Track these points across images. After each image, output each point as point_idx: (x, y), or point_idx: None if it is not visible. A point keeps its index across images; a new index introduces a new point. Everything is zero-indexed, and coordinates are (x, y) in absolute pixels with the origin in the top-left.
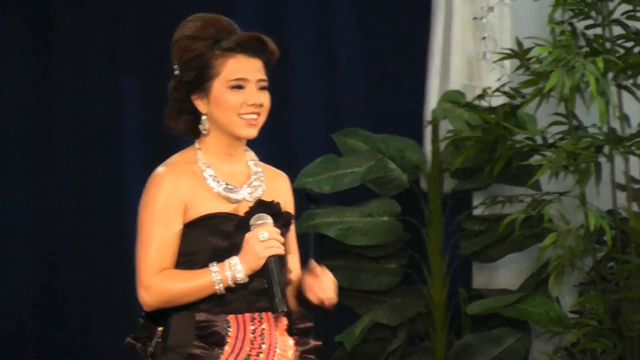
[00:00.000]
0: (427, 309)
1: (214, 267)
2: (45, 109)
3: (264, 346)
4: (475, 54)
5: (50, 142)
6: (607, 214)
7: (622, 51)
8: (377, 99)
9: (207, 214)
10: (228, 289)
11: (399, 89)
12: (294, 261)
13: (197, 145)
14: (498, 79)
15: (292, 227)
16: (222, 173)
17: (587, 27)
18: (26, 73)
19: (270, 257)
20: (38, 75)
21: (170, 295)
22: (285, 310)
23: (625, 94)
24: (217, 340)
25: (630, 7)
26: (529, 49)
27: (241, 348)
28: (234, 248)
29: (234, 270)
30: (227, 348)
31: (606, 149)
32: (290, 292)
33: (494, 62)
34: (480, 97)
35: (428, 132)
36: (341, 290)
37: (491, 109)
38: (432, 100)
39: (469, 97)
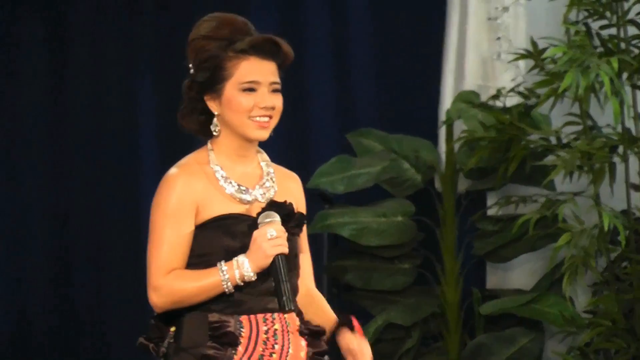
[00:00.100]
0: (440, 309)
1: (222, 266)
2: (60, 109)
3: (276, 347)
4: (490, 54)
5: (65, 142)
6: (621, 214)
7: (636, 51)
8: (392, 99)
9: (219, 215)
10: (238, 288)
11: (414, 89)
12: (305, 262)
13: (209, 146)
14: (512, 79)
15: (304, 227)
16: (234, 174)
17: (602, 27)
18: (42, 74)
19: (277, 255)
20: (53, 76)
21: (179, 296)
22: (292, 309)
23: None
24: (231, 341)
25: None
26: (544, 49)
27: (254, 348)
28: (247, 249)
29: (241, 268)
30: (240, 349)
31: (620, 149)
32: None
33: (509, 62)
34: (495, 97)
35: (442, 132)
36: (355, 290)
37: (505, 109)
38: (447, 100)
39: (484, 98)
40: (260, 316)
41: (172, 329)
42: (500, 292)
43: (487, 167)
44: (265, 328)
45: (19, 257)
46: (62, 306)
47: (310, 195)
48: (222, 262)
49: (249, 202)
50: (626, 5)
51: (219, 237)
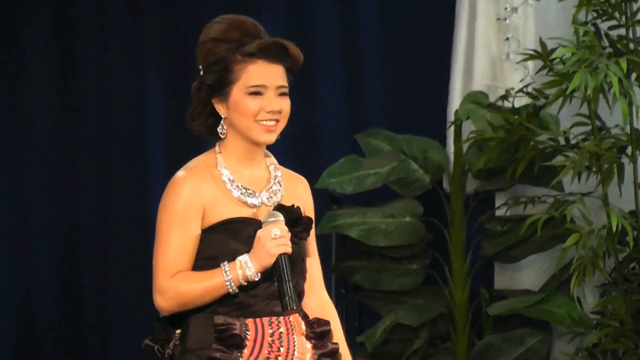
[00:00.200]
0: (448, 310)
1: (226, 266)
2: (69, 110)
3: (282, 349)
4: (499, 54)
5: (72, 143)
6: (629, 214)
7: None
8: (401, 99)
9: (227, 218)
10: (244, 289)
11: (422, 89)
12: (314, 266)
13: (217, 148)
14: (521, 80)
15: (312, 231)
16: (242, 177)
17: (611, 28)
18: (49, 74)
19: (281, 254)
20: (61, 76)
21: (185, 298)
22: (295, 308)
23: None
24: (237, 343)
25: None
26: (553, 50)
27: (260, 351)
28: None
29: (244, 267)
30: (245, 351)
31: (629, 150)
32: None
33: (518, 62)
34: (504, 97)
35: (451, 132)
36: (363, 290)
37: (514, 110)
38: (455, 101)
39: (492, 98)
40: (266, 319)
41: (178, 330)
42: (509, 292)
43: (496, 168)
44: (270, 331)
45: (26, 259)
46: (68, 308)
47: (319, 195)
48: (226, 263)
49: (254, 206)
50: (635, 6)
51: (227, 240)
